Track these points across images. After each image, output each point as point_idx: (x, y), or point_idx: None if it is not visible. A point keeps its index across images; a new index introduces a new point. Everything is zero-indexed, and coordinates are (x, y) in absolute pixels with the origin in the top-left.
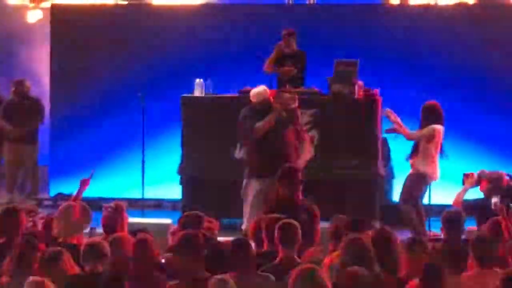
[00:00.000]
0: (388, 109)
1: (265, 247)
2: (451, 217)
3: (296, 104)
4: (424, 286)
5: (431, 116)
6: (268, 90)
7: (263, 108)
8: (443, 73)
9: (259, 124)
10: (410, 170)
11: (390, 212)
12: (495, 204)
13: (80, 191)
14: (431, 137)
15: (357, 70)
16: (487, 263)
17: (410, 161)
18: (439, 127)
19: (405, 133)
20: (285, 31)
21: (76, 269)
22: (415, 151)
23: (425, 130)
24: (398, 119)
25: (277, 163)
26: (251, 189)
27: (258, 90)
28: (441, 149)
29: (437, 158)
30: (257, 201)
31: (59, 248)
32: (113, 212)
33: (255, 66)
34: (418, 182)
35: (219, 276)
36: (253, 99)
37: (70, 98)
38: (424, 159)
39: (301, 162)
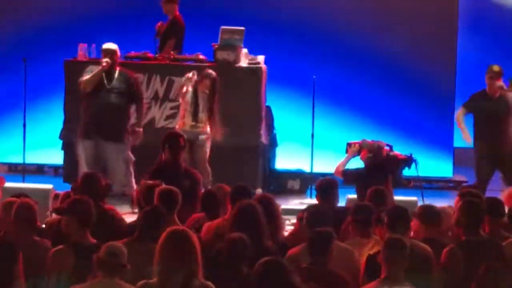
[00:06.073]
0: None
1: None
2: (323, 186)
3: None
4: (311, 252)
5: None
6: (115, 49)
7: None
8: (330, 45)
9: (83, 78)
10: None
11: (272, 180)
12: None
13: None
14: None
15: (243, 38)
16: (366, 231)
17: None
18: None
19: None
20: None
21: None
22: None
23: None
24: None
25: (100, 125)
26: (81, 149)
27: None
28: None
29: None
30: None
31: None
32: None
33: (141, 31)
34: None
35: (112, 243)
36: None
37: None
38: None
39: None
